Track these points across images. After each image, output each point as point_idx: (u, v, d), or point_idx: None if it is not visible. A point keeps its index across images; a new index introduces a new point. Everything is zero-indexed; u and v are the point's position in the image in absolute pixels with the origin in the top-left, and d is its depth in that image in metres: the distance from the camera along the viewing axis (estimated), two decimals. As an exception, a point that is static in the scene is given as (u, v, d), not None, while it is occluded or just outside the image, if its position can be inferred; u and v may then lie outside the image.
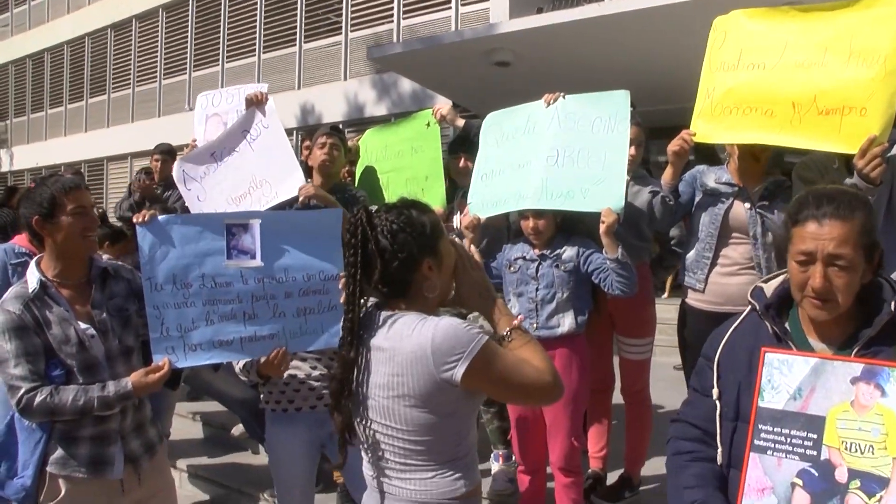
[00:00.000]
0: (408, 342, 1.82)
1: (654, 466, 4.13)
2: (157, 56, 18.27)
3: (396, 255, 1.87)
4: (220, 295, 2.82)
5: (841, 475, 1.69)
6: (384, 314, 1.91)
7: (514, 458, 3.73)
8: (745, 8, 3.13)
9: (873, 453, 1.66)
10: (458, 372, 1.78)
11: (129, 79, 19.08)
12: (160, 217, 2.83)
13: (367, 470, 2.02)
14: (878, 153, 2.63)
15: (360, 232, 1.87)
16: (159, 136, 8.39)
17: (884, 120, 2.64)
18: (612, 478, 3.98)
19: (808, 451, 1.73)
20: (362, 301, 1.92)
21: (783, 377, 1.81)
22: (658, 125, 5.58)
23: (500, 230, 3.92)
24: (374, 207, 1.96)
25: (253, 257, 2.88)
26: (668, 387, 4.83)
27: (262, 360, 2.90)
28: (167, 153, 6.43)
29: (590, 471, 3.94)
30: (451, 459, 1.91)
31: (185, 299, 2.77)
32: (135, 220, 2.80)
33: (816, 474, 1.71)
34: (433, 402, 1.83)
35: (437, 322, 1.83)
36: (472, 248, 3.49)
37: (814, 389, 1.76)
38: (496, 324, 1.99)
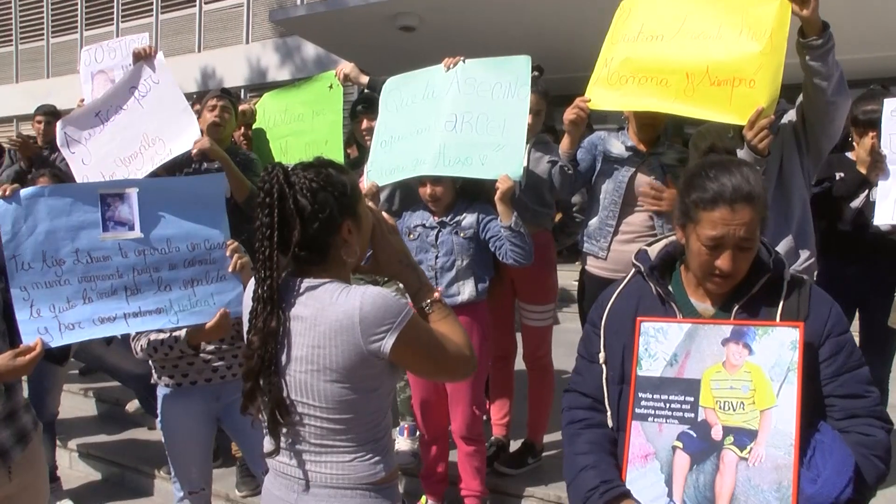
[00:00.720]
0: (332, 311, 1.70)
1: (557, 433, 4.17)
2: (43, 11, 17.14)
3: (317, 215, 1.74)
4: (97, 271, 2.65)
5: (716, 433, 1.77)
6: (304, 282, 1.78)
7: (418, 431, 3.70)
8: None
9: (744, 409, 1.76)
10: (388, 343, 1.70)
11: (12, 35, 17.86)
12: (23, 190, 2.63)
13: (278, 456, 1.89)
14: (766, 125, 2.67)
15: (277, 190, 1.72)
16: (49, 97, 7.87)
17: (770, 92, 2.69)
18: (515, 445, 4.00)
19: (687, 414, 1.81)
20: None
21: (659, 345, 1.88)
22: (563, 93, 5.59)
23: (413, 189, 3.86)
24: (289, 165, 1.82)
25: (131, 228, 2.72)
26: (571, 353, 4.88)
27: (199, 328, 2.82)
28: (51, 114, 6.05)
29: (493, 438, 3.96)
30: (370, 441, 1.81)
31: (57, 277, 2.59)
32: None
33: (695, 435, 1.79)
34: (356, 377, 1.73)
35: (364, 290, 1.72)
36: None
37: (689, 354, 1.84)
38: (415, 293, 1.92)
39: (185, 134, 3.64)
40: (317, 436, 1.78)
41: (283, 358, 1.76)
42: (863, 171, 3.35)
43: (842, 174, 3.55)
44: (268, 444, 1.86)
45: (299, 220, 1.73)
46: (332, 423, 1.76)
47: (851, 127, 3.51)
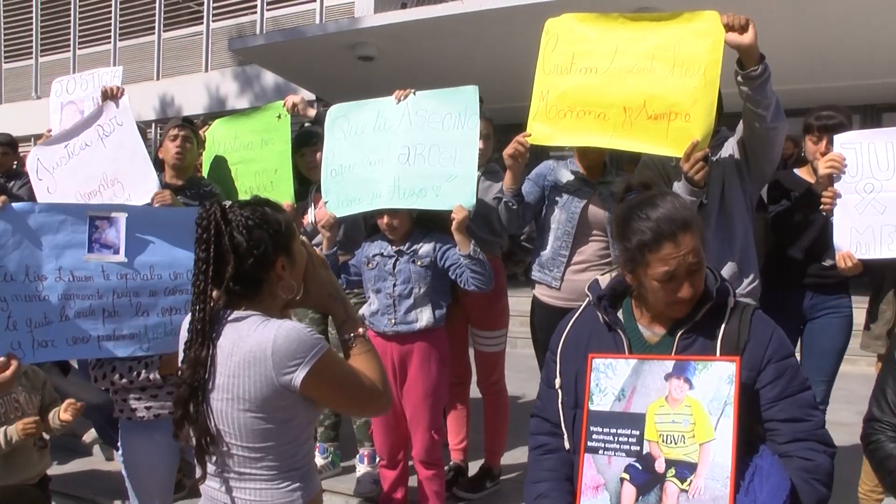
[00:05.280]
0: (246, 342, 1.77)
1: (515, 456, 4.24)
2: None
3: (251, 251, 1.82)
4: (78, 290, 2.68)
5: (660, 466, 1.83)
6: (230, 313, 1.85)
7: (378, 457, 3.73)
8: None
9: (685, 442, 1.82)
10: (299, 377, 1.76)
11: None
12: (16, 205, 2.66)
13: (207, 481, 1.95)
14: (701, 157, 2.77)
15: (214, 227, 1.81)
16: (2, 125, 7.78)
17: (705, 125, 2.79)
18: (473, 469, 4.04)
19: (633, 447, 1.87)
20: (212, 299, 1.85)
21: (609, 380, 1.95)
22: (514, 122, 5.72)
23: (357, 222, 3.91)
24: (227, 203, 1.90)
25: (116, 252, 2.76)
26: (528, 378, 4.96)
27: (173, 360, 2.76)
28: (8, 145, 6.00)
29: (451, 463, 3.99)
30: (289, 469, 1.88)
31: (37, 292, 2.62)
32: None
33: (640, 467, 1.85)
34: (269, 407, 1.79)
35: (279, 324, 1.79)
36: (324, 244, 3.51)
37: (635, 389, 1.91)
38: (341, 324, 1.99)
39: (144, 183, 3.63)
40: (237, 463, 1.85)
41: (209, 386, 1.82)
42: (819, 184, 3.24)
43: (795, 192, 3.47)
44: (198, 470, 1.91)
45: (234, 256, 1.81)
46: (248, 451, 1.83)
47: (805, 135, 3.43)
